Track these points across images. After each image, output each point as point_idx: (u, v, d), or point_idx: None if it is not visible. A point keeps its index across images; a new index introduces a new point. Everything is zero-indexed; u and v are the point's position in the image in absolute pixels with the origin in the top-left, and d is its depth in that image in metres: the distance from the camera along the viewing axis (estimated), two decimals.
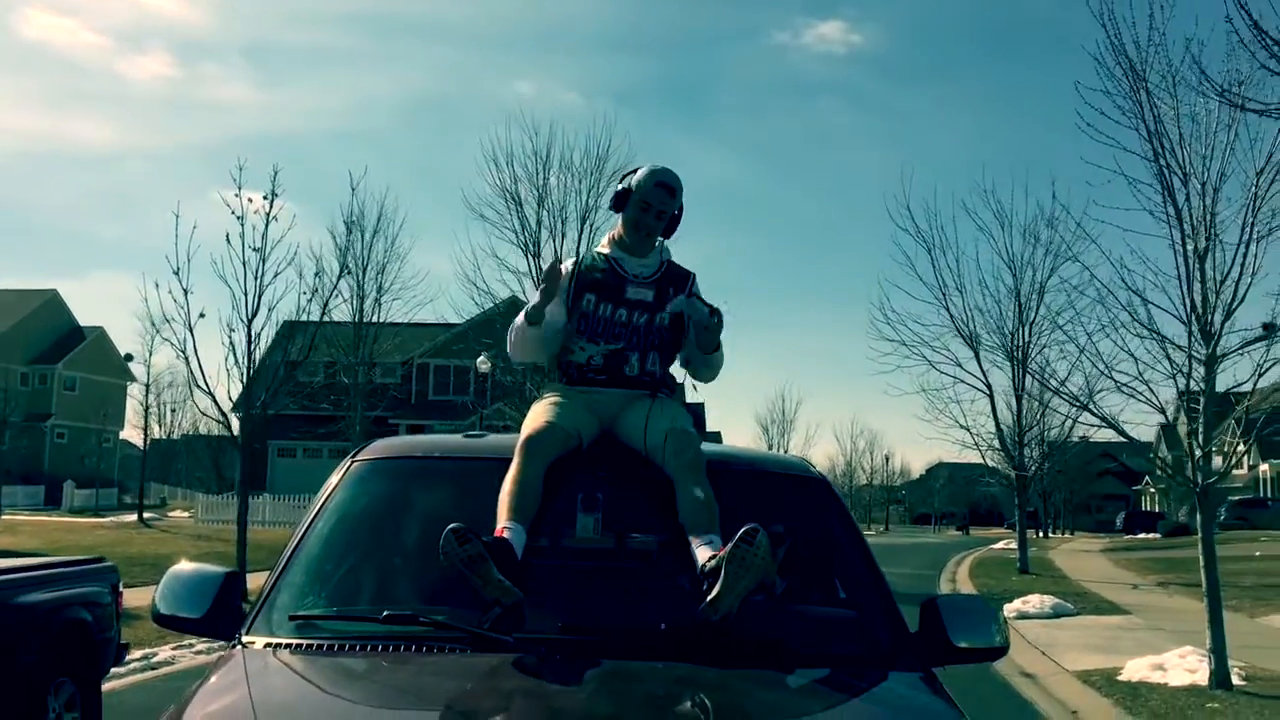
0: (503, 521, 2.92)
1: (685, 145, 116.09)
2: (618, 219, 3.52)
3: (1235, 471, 60.44)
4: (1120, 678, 10.42)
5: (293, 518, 32.08)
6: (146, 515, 38.41)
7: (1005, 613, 15.65)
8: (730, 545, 2.75)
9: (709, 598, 2.73)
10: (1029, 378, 22.46)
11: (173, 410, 53.61)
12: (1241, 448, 10.84)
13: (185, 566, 3.10)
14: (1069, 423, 25.15)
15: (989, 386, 23.85)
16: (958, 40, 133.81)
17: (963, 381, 23.49)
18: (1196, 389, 10.06)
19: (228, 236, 17.01)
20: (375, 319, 33.76)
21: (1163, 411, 10.48)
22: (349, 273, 26.69)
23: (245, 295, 17.03)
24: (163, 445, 57.75)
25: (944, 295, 22.00)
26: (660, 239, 3.50)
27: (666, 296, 3.44)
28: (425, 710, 2.50)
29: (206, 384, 17.62)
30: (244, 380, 18.20)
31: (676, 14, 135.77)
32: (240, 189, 16.96)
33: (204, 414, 26.46)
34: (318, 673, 2.64)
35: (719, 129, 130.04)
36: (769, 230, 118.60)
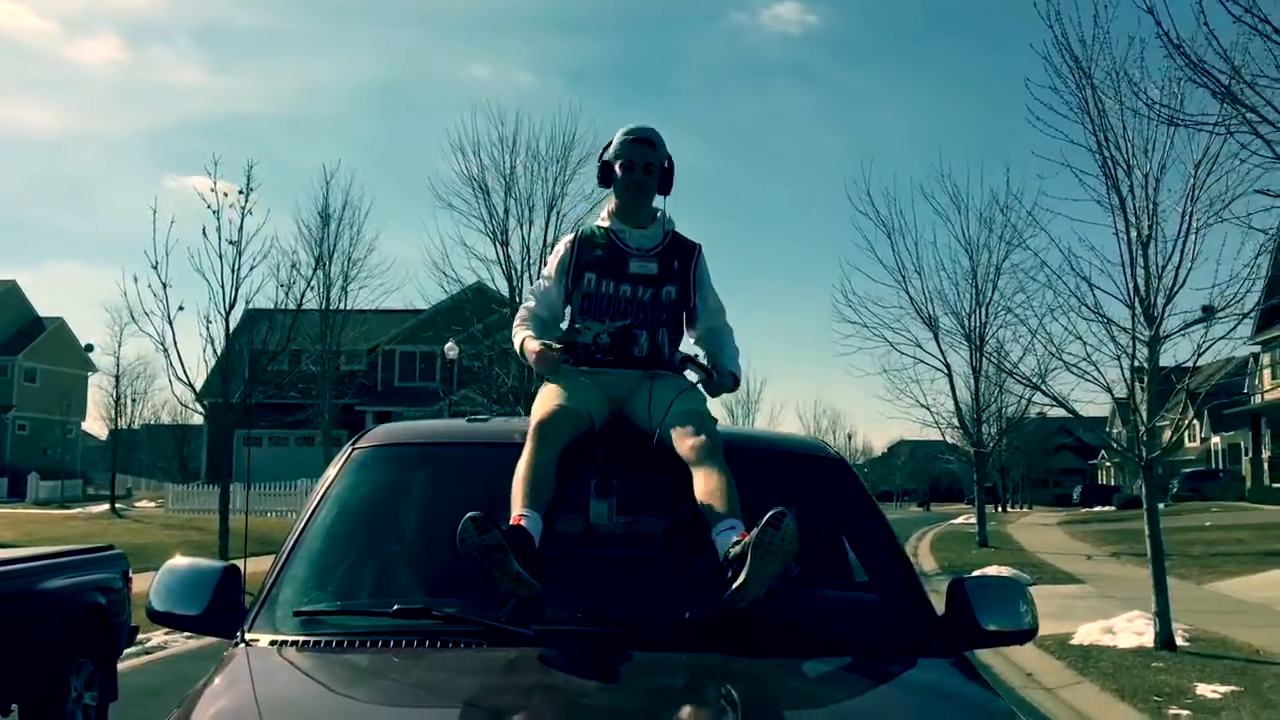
0: (518, 509, 2.81)
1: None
2: (610, 194, 3.44)
3: (1188, 444, 61.82)
4: (1073, 642, 10.90)
5: (266, 505, 32.26)
6: (104, 506, 38.43)
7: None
8: (756, 530, 2.63)
9: (735, 585, 2.62)
10: (985, 360, 23.11)
11: (133, 400, 53.34)
12: (1185, 422, 11.43)
13: (181, 561, 2.98)
14: (1024, 401, 25.81)
15: (948, 367, 24.40)
16: (912, 21, 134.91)
17: (923, 362, 24.11)
18: (1139, 367, 10.65)
19: (204, 230, 17.44)
20: (342, 306, 33.99)
21: (1109, 390, 11.06)
22: (322, 266, 27.00)
23: (223, 288, 17.39)
24: (124, 435, 57.37)
25: (903, 278, 22.63)
26: (662, 210, 3.40)
27: (671, 270, 3.34)
28: (443, 709, 2.40)
29: (186, 375, 17.91)
30: (223, 371, 18.48)
31: None
32: (215, 184, 17.35)
33: (184, 405, 26.73)
34: (326, 671, 2.53)
35: (677, 110, 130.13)
36: (728, 212, 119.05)
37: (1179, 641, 10.43)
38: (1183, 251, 10.04)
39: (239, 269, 17.57)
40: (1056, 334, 11.38)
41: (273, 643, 2.65)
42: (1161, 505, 41.67)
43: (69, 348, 60.86)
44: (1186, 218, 9.94)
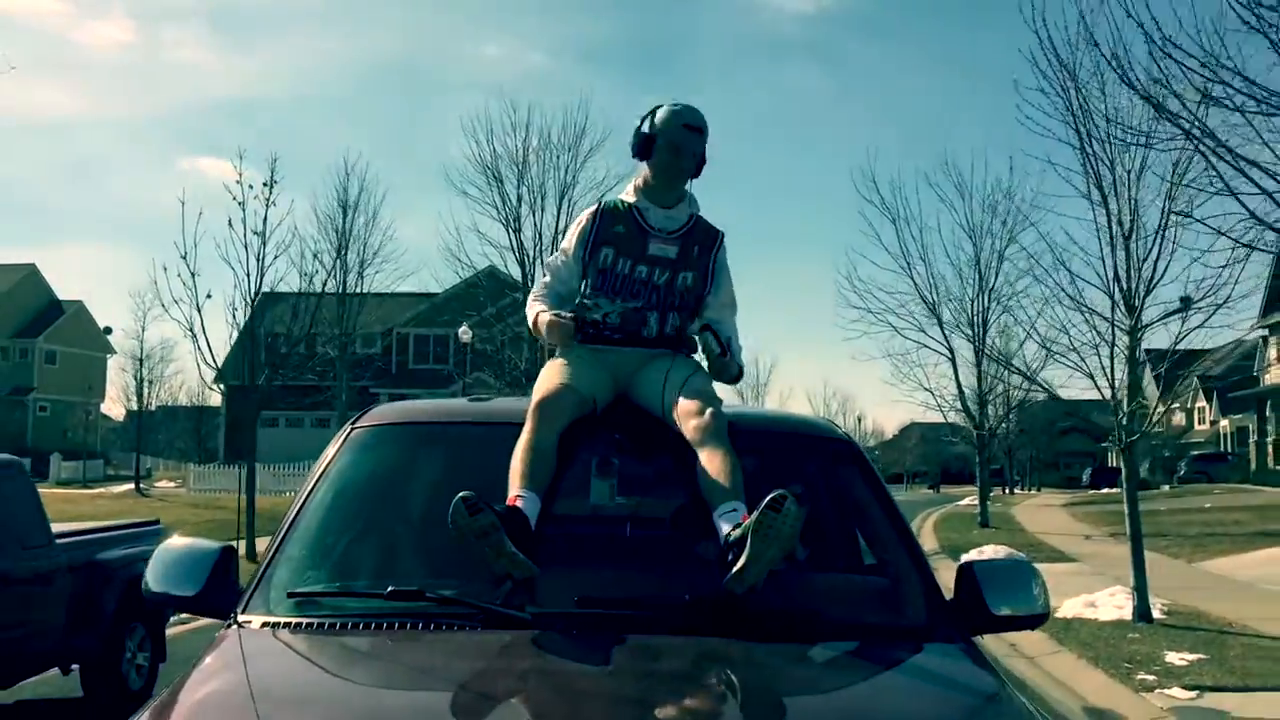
0: (515, 489, 2.76)
1: (652, 104, 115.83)
2: (642, 165, 3.32)
3: (1198, 427, 62.14)
4: (1056, 615, 11.29)
5: (283, 486, 33.02)
6: (129, 485, 39.31)
7: (962, 562, 16.84)
8: (756, 513, 2.58)
9: (734, 569, 2.56)
10: (986, 351, 23.52)
11: (150, 382, 54.31)
12: (1162, 408, 12.04)
13: (177, 541, 2.96)
14: (1025, 389, 26.26)
15: (951, 351, 24.74)
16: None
17: (926, 347, 24.57)
18: (1123, 355, 11.23)
19: (230, 221, 18.05)
20: (359, 290, 34.65)
21: (1091, 378, 11.63)
22: (342, 256, 27.69)
23: (249, 276, 18.06)
24: (142, 416, 58.23)
25: (908, 265, 23.02)
26: (689, 192, 3.33)
27: (691, 255, 3.26)
28: (435, 692, 2.32)
29: (214, 360, 18.59)
30: (250, 356, 19.16)
31: None
32: (241, 174, 17.97)
33: (210, 387, 27.44)
34: (319, 653, 2.49)
35: (690, 89, 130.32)
36: (742, 192, 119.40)
37: (1156, 615, 11.01)
38: (1160, 245, 10.60)
39: (264, 258, 18.24)
40: (1053, 322, 12.00)
41: (265, 624, 2.60)
42: (1166, 487, 41.95)
43: (88, 330, 61.79)
44: (1165, 214, 10.49)
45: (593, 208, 3.38)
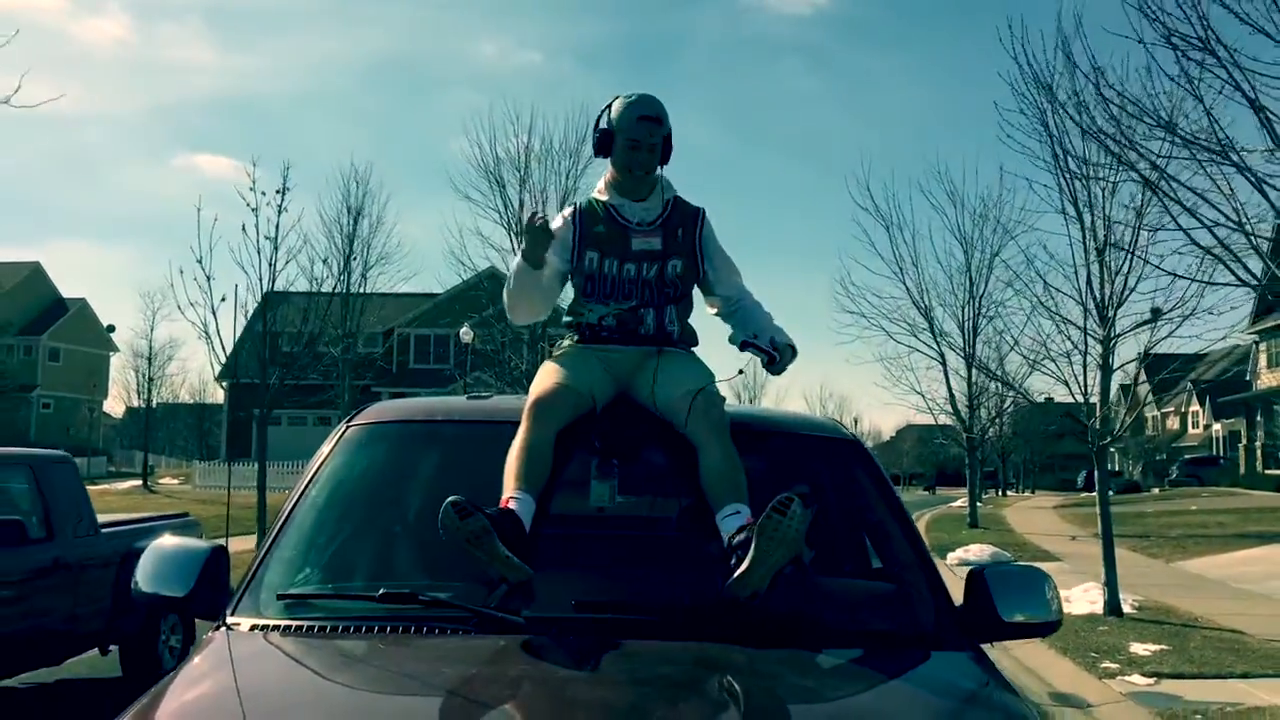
0: (509, 491, 2.69)
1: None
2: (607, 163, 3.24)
3: (1191, 431, 62.72)
4: None
5: (286, 484, 33.56)
6: (137, 482, 39.90)
7: (948, 560, 17.45)
8: (762, 515, 2.51)
9: (737, 573, 2.50)
10: (974, 359, 23.98)
11: (150, 379, 54.94)
12: (1125, 414, 12.69)
13: (168, 541, 2.90)
14: (1022, 382, 26.77)
15: (942, 356, 25.15)
16: (922, 2, 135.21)
17: (918, 350, 25.10)
18: (1096, 363, 11.83)
19: (244, 227, 18.72)
20: (362, 290, 35.21)
21: (1066, 385, 12.24)
22: (349, 260, 28.29)
23: (261, 281, 18.71)
24: (143, 414, 58.79)
25: (901, 270, 23.42)
26: (661, 178, 3.22)
27: (676, 241, 3.17)
28: (424, 697, 2.26)
29: (228, 359, 19.17)
30: (261, 356, 19.76)
31: None
32: (255, 182, 18.64)
33: (222, 387, 28.01)
34: (308, 656, 2.42)
35: (684, 90, 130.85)
36: (736, 193, 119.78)
37: (1127, 609, 11.59)
38: (1132, 260, 11.18)
39: (275, 263, 18.91)
40: (1031, 336, 12.64)
41: (254, 626, 2.54)
42: (1157, 490, 42.38)
43: (90, 328, 62.40)
44: (1135, 231, 11.08)
45: (568, 210, 3.28)
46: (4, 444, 10.00)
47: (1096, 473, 12.26)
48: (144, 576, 2.80)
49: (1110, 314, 11.43)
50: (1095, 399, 11.81)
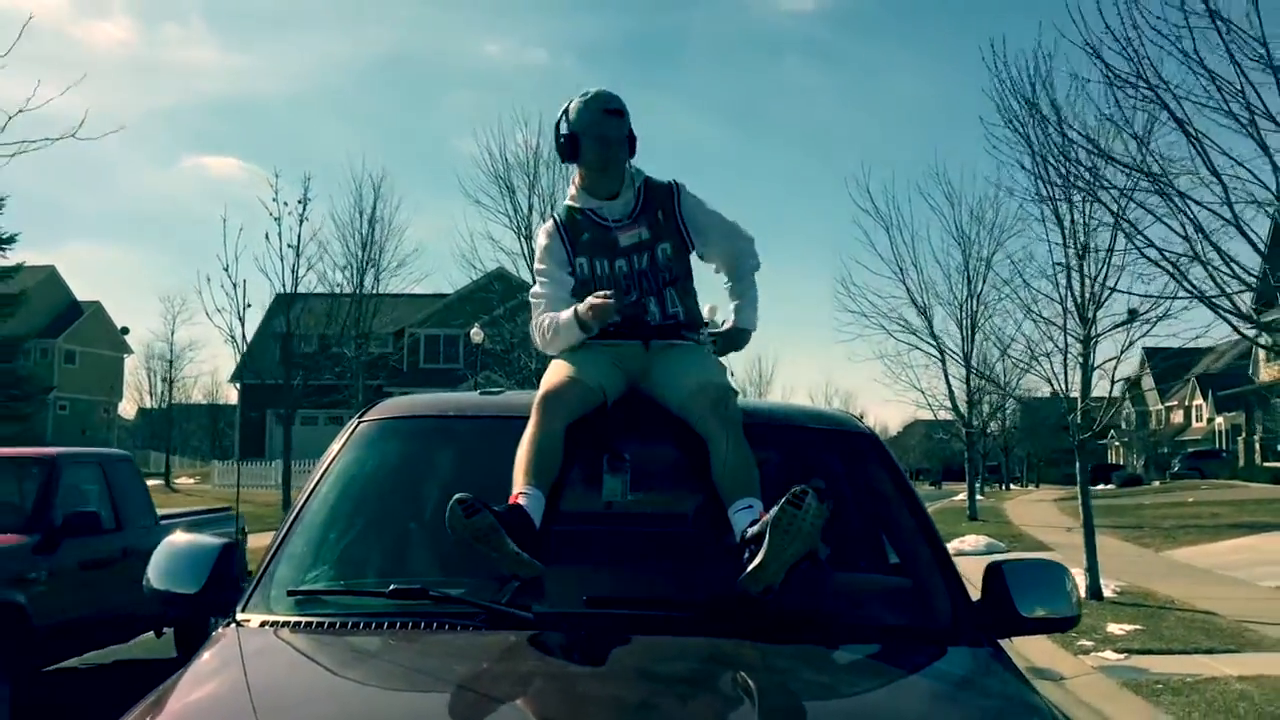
0: (519, 487, 2.68)
1: (652, 101, 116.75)
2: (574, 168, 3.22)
3: (1195, 424, 63.19)
4: None
5: (300, 482, 34.26)
6: (159, 481, 40.75)
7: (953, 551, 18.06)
8: (776, 509, 2.47)
9: (751, 567, 2.47)
10: (971, 358, 24.51)
11: (163, 380, 55.96)
12: (1103, 411, 13.39)
13: (180, 538, 2.89)
14: (1015, 384, 27.34)
15: (941, 354, 25.42)
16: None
17: (918, 349, 25.58)
18: (1077, 361, 12.54)
19: (266, 235, 19.52)
20: (374, 291, 35.96)
21: (1049, 382, 12.94)
22: (363, 265, 29.04)
23: (283, 286, 19.49)
24: (157, 414, 59.72)
25: (901, 271, 23.70)
26: (628, 168, 3.19)
27: (658, 224, 3.14)
28: (435, 694, 2.24)
29: (251, 360, 19.94)
30: (284, 358, 20.52)
31: None
32: (277, 192, 19.40)
33: (245, 388, 28.76)
34: (319, 653, 2.42)
35: (687, 86, 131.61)
36: (739, 188, 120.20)
37: (1108, 594, 12.18)
38: (1109, 263, 11.84)
39: (297, 269, 19.70)
40: (1023, 336, 13.31)
41: (265, 623, 2.54)
42: (1158, 483, 42.88)
43: (105, 330, 63.32)
44: (1112, 235, 11.72)
45: (549, 224, 3.26)
46: (25, 446, 10.74)
47: (1078, 464, 12.94)
48: (156, 573, 2.81)
49: (1090, 314, 12.10)
50: (1076, 394, 12.51)
